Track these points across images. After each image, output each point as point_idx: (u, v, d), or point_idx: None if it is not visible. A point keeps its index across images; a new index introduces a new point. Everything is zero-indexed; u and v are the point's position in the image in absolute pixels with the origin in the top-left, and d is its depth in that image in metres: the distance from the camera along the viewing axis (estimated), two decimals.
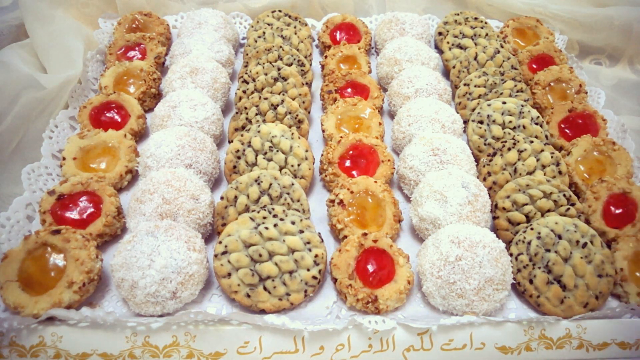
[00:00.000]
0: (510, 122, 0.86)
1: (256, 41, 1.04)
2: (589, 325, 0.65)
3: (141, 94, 0.95)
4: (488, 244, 0.66)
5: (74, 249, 0.65)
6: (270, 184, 0.74)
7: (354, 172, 0.82)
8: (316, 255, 0.67)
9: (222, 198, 0.75)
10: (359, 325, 0.63)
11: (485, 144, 0.87)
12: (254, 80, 0.93)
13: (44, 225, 0.72)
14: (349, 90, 0.97)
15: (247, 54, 1.02)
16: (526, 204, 0.74)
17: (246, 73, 0.94)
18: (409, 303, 0.69)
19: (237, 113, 0.91)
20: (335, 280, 0.67)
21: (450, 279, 0.64)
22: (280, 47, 0.98)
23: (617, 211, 0.75)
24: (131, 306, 0.65)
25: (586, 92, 0.97)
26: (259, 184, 0.74)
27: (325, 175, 0.83)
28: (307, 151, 0.82)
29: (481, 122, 0.88)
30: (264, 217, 0.68)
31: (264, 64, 0.94)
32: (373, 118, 0.90)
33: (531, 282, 0.67)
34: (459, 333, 0.64)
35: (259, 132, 0.81)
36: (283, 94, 0.90)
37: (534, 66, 1.04)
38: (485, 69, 0.96)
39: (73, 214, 0.73)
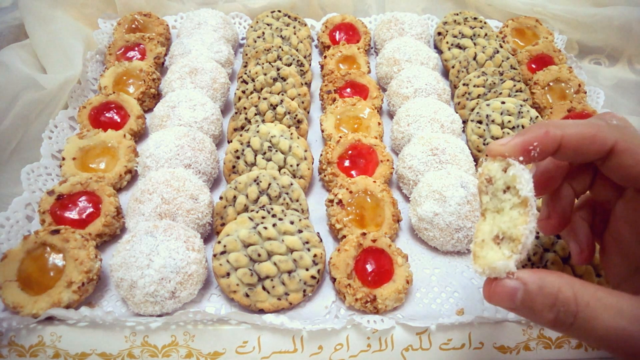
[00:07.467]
0: (509, 122, 0.86)
1: (255, 41, 1.04)
2: None
3: (140, 94, 0.96)
4: None
5: (73, 249, 0.66)
6: (269, 184, 0.74)
7: (353, 172, 0.82)
8: (315, 255, 0.67)
9: (221, 198, 0.75)
10: (357, 325, 0.63)
11: (484, 144, 0.87)
12: (253, 80, 0.93)
13: (43, 225, 0.73)
14: (348, 90, 0.97)
15: (246, 54, 1.02)
16: None
17: (245, 73, 0.94)
18: (407, 303, 0.69)
19: (236, 113, 0.91)
20: (334, 279, 0.67)
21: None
22: (280, 47, 0.98)
23: None
24: (130, 306, 0.65)
25: (585, 92, 0.97)
26: (257, 183, 0.74)
27: (324, 175, 0.83)
28: (306, 151, 0.82)
29: (480, 122, 0.88)
30: (263, 217, 0.69)
31: (263, 64, 0.95)
32: (372, 118, 0.90)
33: None
34: (458, 332, 0.64)
35: (258, 132, 0.81)
36: (282, 94, 0.90)
37: (533, 66, 1.04)
38: (484, 69, 0.96)
39: (72, 214, 0.74)
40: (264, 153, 0.79)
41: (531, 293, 0.42)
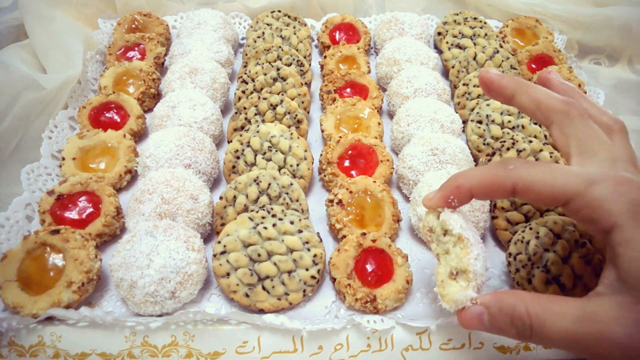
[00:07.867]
0: (509, 121, 0.86)
1: (255, 41, 1.04)
2: None
3: (140, 94, 0.96)
4: None
5: (73, 249, 0.66)
6: (269, 184, 0.74)
7: (352, 172, 0.82)
8: (315, 255, 0.67)
9: (221, 198, 0.75)
10: (357, 325, 0.63)
11: (484, 144, 0.87)
12: (253, 80, 0.93)
13: (43, 225, 0.73)
14: (348, 90, 0.97)
15: (246, 54, 1.02)
16: (525, 204, 0.74)
17: (245, 73, 0.94)
18: (407, 303, 0.69)
19: (236, 113, 0.91)
20: (334, 279, 0.67)
21: None
22: (280, 47, 0.98)
23: None
24: (130, 306, 0.65)
25: (585, 92, 0.97)
26: (257, 183, 0.74)
27: (324, 175, 0.83)
28: (306, 151, 0.82)
29: (480, 122, 0.88)
30: (263, 217, 0.69)
31: (263, 64, 0.95)
32: (372, 118, 0.90)
33: (530, 281, 0.67)
34: (458, 332, 0.64)
35: (258, 132, 0.81)
36: (282, 94, 0.90)
37: (533, 66, 1.04)
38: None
39: (72, 214, 0.74)
40: (264, 153, 0.79)
41: (494, 315, 0.48)
